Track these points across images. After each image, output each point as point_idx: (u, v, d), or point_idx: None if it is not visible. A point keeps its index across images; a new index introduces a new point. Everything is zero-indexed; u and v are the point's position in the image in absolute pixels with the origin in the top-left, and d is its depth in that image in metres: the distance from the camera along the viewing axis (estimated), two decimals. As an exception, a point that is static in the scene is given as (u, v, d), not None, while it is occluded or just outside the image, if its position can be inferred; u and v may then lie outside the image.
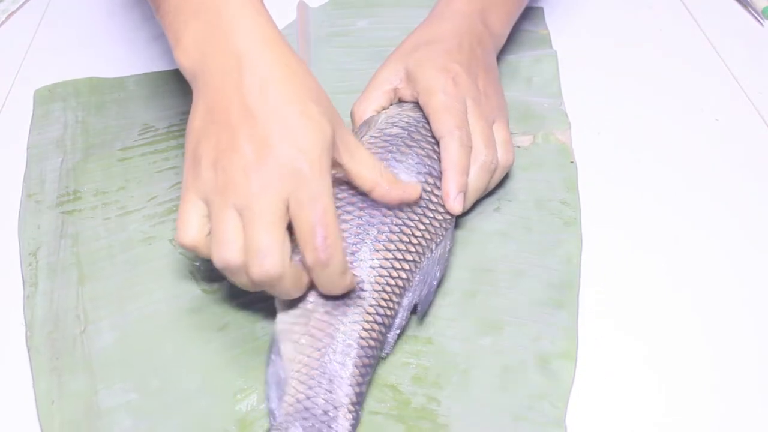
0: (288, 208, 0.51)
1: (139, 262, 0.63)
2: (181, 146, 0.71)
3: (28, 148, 0.73)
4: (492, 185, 0.66)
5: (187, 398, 0.55)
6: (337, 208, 0.57)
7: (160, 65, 0.82)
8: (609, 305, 0.61)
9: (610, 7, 0.90)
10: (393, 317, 0.57)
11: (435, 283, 0.59)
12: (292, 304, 0.55)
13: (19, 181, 0.70)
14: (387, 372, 0.56)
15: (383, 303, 0.56)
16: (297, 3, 0.89)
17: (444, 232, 0.61)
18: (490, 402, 0.55)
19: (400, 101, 0.68)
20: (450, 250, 0.61)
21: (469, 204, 0.64)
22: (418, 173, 0.61)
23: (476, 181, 0.63)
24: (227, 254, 0.51)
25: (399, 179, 0.59)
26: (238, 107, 0.52)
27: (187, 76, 0.57)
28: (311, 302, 0.55)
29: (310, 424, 0.50)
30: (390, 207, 0.58)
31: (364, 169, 0.56)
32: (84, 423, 0.54)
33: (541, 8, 0.88)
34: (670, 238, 0.65)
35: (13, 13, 0.90)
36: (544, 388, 0.55)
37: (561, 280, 0.61)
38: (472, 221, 0.66)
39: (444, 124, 0.62)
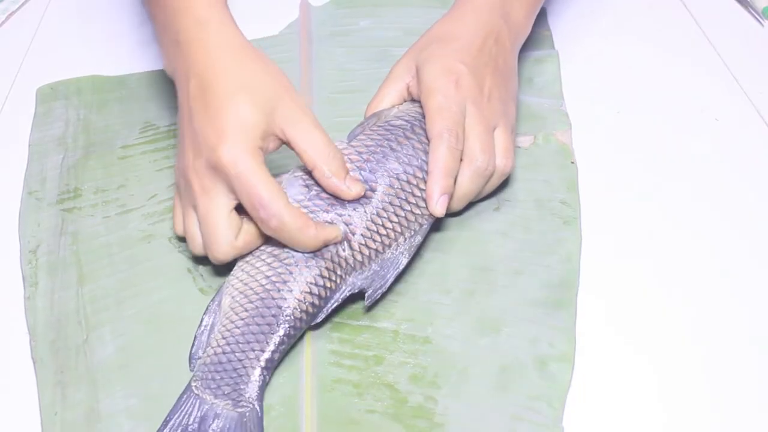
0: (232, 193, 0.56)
1: (138, 261, 0.63)
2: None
3: (29, 146, 0.72)
4: (488, 190, 0.65)
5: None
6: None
7: (161, 64, 0.81)
8: (607, 306, 0.60)
9: (610, 7, 0.89)
10: (334, 291, 0.57)
11: (392, 276, 0.58)
12: (245, 260, 0.58)
13: (20, 179, 0.69)
14: (384, 371, 0.55)
15: (326, 275, 0.56)
16: (299, 2, 0.88)
17: (417, 228, 0.60)
18: (487, 402, 0.54)
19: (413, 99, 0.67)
20: (418, 245, 0.60)
21: (458, 207, 0.63)
22: (409, 164, 0.61)
23: (468, 186, 0.62)
24: (194, 249, 0.59)
25: (349, 173, 0.59)
26: (187, 114, 0.59)
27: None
28: (258, 264, 0.57)
29: (220, 377, 0.53)
30: (372, 189, 0.59)
31: (310, 149, 0.57)
32: (84, 427, 0.53)
33: (544, 9, 0.87)
34: (670, 238, 0.64)
35: (13, 13, 0.89)
36: (541, 389, 0.54)
37: (560, 280, 0.60)
38: (472, 221, 0.65)
39: (435, 126, 0.61)
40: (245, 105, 0.56)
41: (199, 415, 0.52)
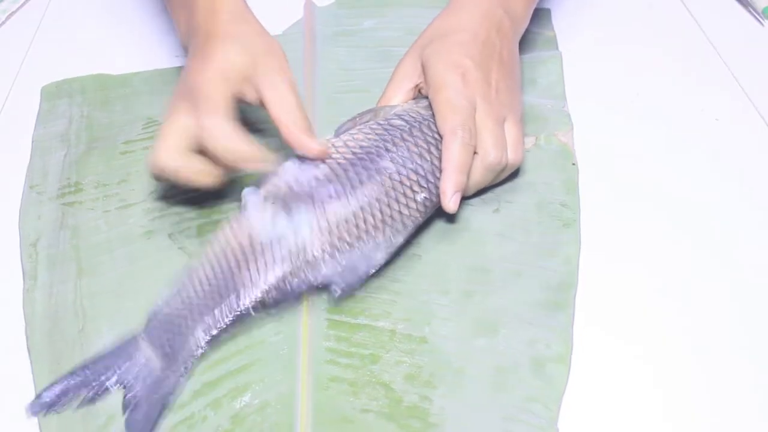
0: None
1: (138, 257, 0.61)
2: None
3: (32, 142, 0.70)
4: (496, 181, 0.63)
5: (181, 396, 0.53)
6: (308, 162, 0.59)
7: (163, 63, 0.79)
8: (605, 308, 0.57)
9: (612, 8, 0.86)
10: (289, 286, 0.55)
11: (365, 272, 0.56)
12: (224, 230, 0.57)
13: (22, 174, 0.67)
14: (380, 370, 0.53)
15: (288, 269, 0.55)
16: (304, 2, 0.86)
17: (401, 228, 0.57)
18: (483, 402, 0.52)
19: (419, 96, 0.65)
20: (399, 246, 0.58)
21: (468, 193, 0.62)
22: (403, 166, 0.58)
23: (479, 179, 0.61)
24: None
25: (311, 134, 0.58)
26: (187, 65, 0.61)
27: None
28: (232, 241, 0.56)
29: (163, 330, 0.54)
30: (361, 182, 0.57)
31: (281, 111, 0.58)
32: (81, 423, 0.51)
33: (548, 10, 0.84)
34: (669, 240, 0.62)
35: (12, 13, 0.87)
36: (537, 391, 0.52)
37: (559, 282, 0.58)
38: (472, 221, 0.62)
39: (447, 122, 0.59)
40: (233, 49, 0.59)
41: (129, 360, 0.53)
